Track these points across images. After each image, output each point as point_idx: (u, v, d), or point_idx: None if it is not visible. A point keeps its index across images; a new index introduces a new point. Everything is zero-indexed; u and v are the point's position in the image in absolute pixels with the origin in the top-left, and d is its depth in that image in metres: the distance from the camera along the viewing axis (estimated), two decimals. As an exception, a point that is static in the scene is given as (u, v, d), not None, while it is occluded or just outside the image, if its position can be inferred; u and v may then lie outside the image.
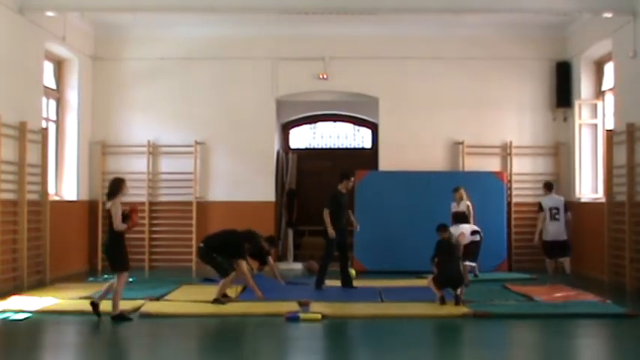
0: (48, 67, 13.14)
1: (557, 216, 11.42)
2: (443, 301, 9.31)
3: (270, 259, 11.79)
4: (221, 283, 9.65)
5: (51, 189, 12.85)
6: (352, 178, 11.35)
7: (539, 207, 11.66)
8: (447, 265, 9.56)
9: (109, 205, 8.55)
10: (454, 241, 10.30)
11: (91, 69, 14.31)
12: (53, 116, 13.48)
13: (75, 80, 13.79)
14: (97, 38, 14.41)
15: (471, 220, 11.91)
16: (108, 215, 8.60)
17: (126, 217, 8.54)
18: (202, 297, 9.80)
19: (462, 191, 12.22)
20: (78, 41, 13.66)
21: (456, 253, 9.93)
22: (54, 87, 13.49)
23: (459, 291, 9.46)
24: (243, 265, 9.72)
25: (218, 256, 9.66)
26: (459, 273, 9.74)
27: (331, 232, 10.85)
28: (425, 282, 10.17)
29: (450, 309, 9.13)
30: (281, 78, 14.42)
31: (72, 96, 13.79)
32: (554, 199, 11.65)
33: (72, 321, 8.74)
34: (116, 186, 8.64)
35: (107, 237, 8.69)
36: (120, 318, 8.48)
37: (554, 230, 11.42)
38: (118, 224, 8.46)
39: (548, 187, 11.88)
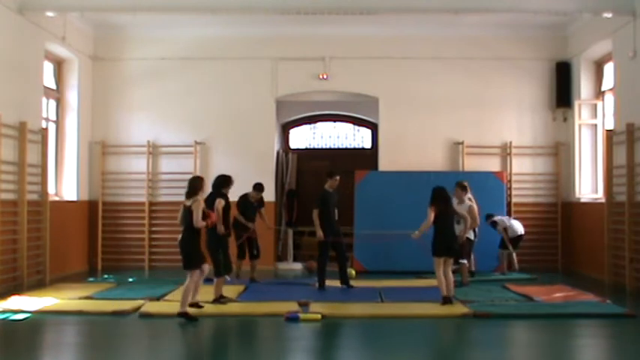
0: (48, 67, 13.14)
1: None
2: (445, 302, 9.31)
3: (263, 210, 12.18)
4: (215, 284, 9.68)
5: (51, 189, 12.85)
6: (337, 177, 11.16)
7: (494, 223, 12.68)
8: (445, 224, 9.56)
9: (189, 202, 8.70)
10: (463, 211, 10.72)
11: (90, 69, 14.31)
12: (53, 116, 13.48)
13: (75, 80, 13.79)
14: (96, 38, 14.42)
15: (475, 221, 11.16)
16: (185, 212, 8.74)
17: (205, 216, 8.72)
18: (202, 297, 9.79)
19: (466, 186, 11.34)
20: (78, 41, 13.66)
21: (452, 205, 10.03)
22: (54, 87, 13.49)
23: (450, 289, 9.44)
24: (221, 203, 9.70)
25: (222, 254, 9.65)
26: (454, 236, 9.87)
27: (320, 234, 10.83)
28: (433, 282, 10.08)
29: (450, 309, 9.14)
30: (281, 78, 14.42)
31: (72, 96, 13.80)
32: None
33: (72, 321, 8.76)
34: (196, 184, 8.87)
35: (183, 234, 8.82)
36: (184, 317, 8.54)
37: (518, 226, 12.83)
38: (198, 221, 8.62)
39: None
